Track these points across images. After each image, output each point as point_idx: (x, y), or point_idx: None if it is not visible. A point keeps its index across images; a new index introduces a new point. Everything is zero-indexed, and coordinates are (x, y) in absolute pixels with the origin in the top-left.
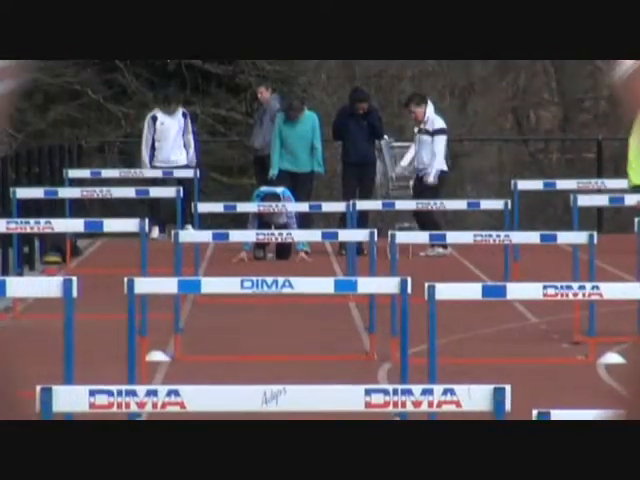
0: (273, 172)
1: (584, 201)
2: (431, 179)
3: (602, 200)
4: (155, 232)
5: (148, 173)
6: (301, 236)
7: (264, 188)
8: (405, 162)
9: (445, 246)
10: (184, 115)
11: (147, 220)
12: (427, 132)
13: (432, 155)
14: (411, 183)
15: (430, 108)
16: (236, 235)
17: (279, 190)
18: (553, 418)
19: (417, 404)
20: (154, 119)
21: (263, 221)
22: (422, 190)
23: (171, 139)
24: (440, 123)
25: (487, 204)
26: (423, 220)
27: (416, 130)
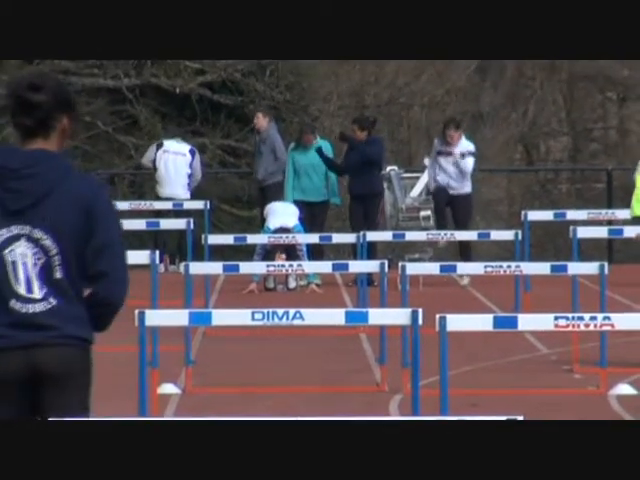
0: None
1: (584, 233)
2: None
3: (602, 232)
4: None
5: (158, 205)
6: (311, 268)
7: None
8: (415, 193)
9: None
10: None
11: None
12: (461, 155)
13: (464, 176)
14: (422, 214)
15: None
16: (246, 267)
17: (290, 224)
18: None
19: None
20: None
21: (270, 250)
22: (461, 210)
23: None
24: (472, 146)
25: (497, 235)
26: (466, 247)
27: (441, 152)
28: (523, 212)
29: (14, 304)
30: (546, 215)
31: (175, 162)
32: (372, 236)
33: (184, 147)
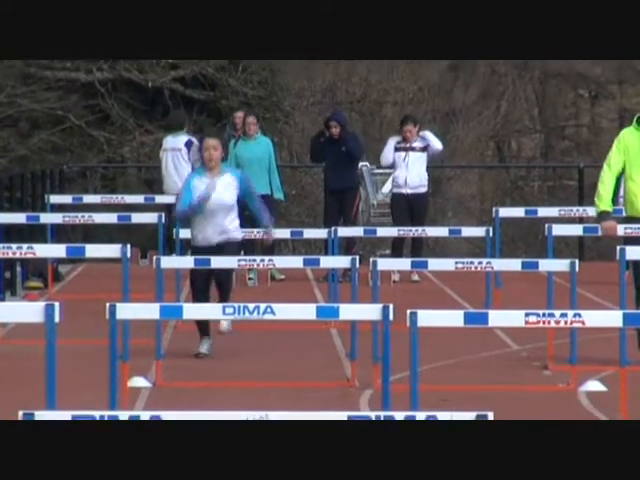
0: None
1: (559, 230)
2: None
3: (577, 230)
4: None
5: (129, 199)
6: (282, 262)
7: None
8: (387, 189)
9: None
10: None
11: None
12: (421, 149)
13: (426, 170)
14: None
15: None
16: (217, 261)
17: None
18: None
19: None
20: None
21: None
22: (424, 207)
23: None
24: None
25: (469, 231)
26: (420, 245)
27: (401, 149)
28: (494, 209)
29: None
30: (517, 212)
31: (173, 158)
32: (344, 232)
33: (180, 141)
